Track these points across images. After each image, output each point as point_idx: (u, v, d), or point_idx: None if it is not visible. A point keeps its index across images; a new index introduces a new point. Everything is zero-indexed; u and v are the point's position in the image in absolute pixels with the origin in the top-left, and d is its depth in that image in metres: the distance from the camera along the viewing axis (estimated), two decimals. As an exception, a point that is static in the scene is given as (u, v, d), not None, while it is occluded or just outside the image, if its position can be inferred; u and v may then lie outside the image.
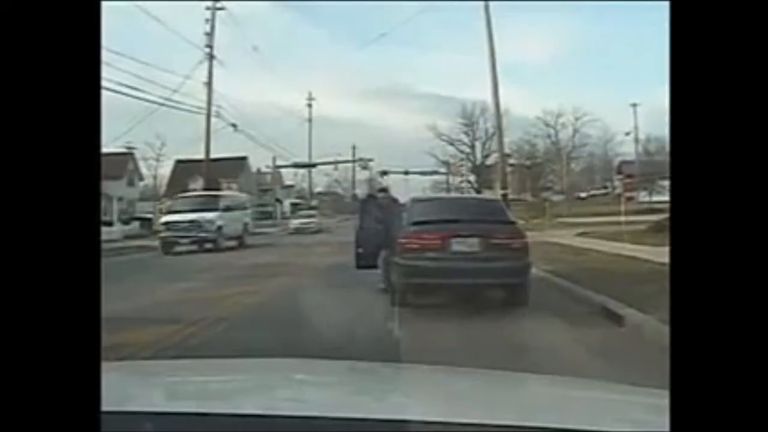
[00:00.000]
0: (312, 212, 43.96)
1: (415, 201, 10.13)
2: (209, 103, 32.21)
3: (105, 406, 1.11)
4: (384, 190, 11.31)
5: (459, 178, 53.22)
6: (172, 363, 1.76)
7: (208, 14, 32.54)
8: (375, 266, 9.85)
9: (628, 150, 54.70)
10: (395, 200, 10.77)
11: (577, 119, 56.11)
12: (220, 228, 21.44)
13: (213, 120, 32.49)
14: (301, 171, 58.69)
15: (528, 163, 54.02)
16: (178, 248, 20.77)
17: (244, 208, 24.94)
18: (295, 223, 39.72)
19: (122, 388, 1.47)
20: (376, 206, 10.33)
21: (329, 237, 28.90)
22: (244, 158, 55.59)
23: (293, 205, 50.97)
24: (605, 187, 56.34)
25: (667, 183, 35.59)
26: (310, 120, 57.44)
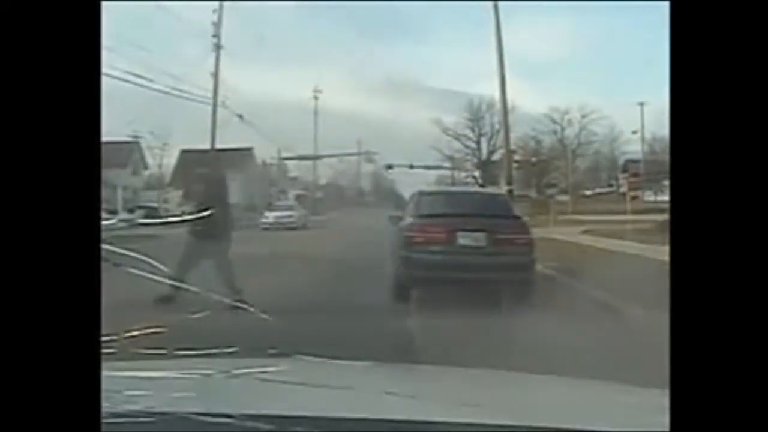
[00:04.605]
0: (291, 203, 40.01)
1: (422, 194, 10.12)
2: (215, 93, 32.23)
3: (105, 407, 1.10)
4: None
5: (464, 173, 53.14)
6: (173, 362, 1.74)
7: (215, 4, 32.54)
8: None
9: (634, 149, 54.34)
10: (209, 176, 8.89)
11: (583, 117, 55.64)
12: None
13: (219, 110, 32.54)
14: (305, 163, 58.64)
15: (533, 159, 53.74)
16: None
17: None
18: (270, 216, 34.10)
19: (123, 387, 1.46)
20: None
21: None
22: (249, 149, 55.48)
23: (298, 197, 50.91)
24: (610, 186, 56.01)
25: (672, 182, 35.43)
26: (315, 112, 57.54)
